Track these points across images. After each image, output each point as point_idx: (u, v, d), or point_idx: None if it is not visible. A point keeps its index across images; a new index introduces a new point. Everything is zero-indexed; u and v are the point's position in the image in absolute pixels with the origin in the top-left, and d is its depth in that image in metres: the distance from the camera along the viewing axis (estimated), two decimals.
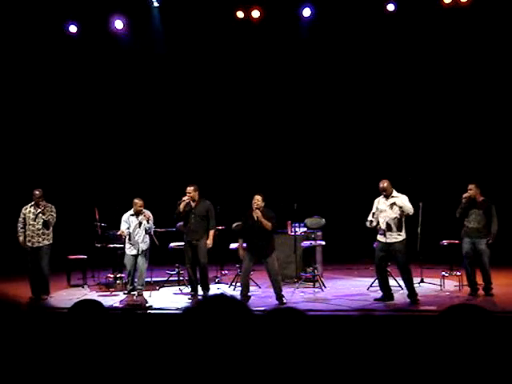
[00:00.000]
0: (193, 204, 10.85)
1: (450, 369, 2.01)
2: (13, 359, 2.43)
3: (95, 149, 15.77)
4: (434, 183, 13.81)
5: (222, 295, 2.04)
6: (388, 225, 9.86)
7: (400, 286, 10.95)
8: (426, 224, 11.37)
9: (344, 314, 9.09)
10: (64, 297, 11.16)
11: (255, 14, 14.44)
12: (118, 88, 15.52)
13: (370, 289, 10.84)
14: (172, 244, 12.19)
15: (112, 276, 11.96)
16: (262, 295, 10.80)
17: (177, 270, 12.13)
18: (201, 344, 1.89)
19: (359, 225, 10.43)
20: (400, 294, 10.44)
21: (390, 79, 14.84)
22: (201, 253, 10.72)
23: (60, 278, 12.39)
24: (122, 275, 11.61)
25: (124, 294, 11.12)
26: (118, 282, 11.71)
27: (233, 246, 12.04)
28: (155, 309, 9.92)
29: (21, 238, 11.13)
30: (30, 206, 11.11)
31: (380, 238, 9.97)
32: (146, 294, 11.06)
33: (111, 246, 11.82)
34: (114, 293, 11.31)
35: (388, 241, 9.87)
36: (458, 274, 10.83)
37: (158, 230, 12.13)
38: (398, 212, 9.84)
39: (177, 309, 9.80)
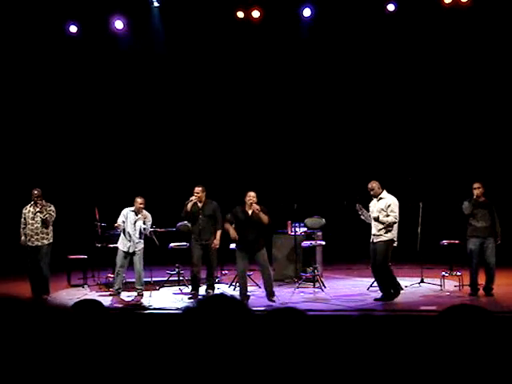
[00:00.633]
0: (200, 205, 10.85)
1: (450, 369, 2.01)
2: (12, 358, 2.43)
3: (96, 148, 15.77)
4: (434, 183, 13.81)
5: (222, 295, 2.04)
6: (374, 225, 9.89)
7: (400, 285, 10.95)
8: (426, 224, 11.37)
9: (344, 313, 9.09)
10: (64, 296, 11.16)
11: (255, 14, 14.45)
12: (119, 88, 15.52)
13: (370, 289, 10.83)
14: (172, 244, 12.19)
15: (112, 276, 11.94)
16: (261, 295, 10.78)
17: (177, 270, 12.12)
18: (201, 344, 1.89)
19: (359, 225, 10.43)
20: (400, 294, 10.43)
21: (391, 79, 14.85)
22: (213, 253, 10.77)
23: (60, 277, 12.40)
24: (123, 275, 11.60)
25: (111, 295, 11.10)
26: None
27: (233, 246, 12.04)
28: (155, 309, 9.92)
29: (22, 238, 11.15)
30: (30, 206, 11.13)
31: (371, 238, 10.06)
32: (146, 294, 11.06)
33: (111, 245, 11.81)
34: (112, 294, 11.29)
35: (373, 240, 9.95)
36: (459, 274, 10.83)
37: (158, 229, 12.13)
38: (383, 213, 9.85)
39: (177, 309, 9.80)
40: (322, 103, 15.38)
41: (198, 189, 10.85)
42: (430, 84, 14.65)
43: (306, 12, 14.49)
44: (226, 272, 12.82)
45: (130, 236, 11.07)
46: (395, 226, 9.88)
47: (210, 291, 10.83)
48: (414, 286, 11.19)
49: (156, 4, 14.63)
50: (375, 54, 14.70)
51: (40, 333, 2.40)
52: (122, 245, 11.09)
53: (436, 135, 14.73)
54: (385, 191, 9.98)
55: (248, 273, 10.76)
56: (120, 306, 10.28)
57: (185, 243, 11.94)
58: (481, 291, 10.21)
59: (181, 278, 11.93)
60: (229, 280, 12.04)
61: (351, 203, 10.50)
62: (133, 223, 11.10)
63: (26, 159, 15.31)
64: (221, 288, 11.76)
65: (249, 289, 10.47)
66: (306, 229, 12.26)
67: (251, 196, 10.05)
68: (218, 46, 15.06)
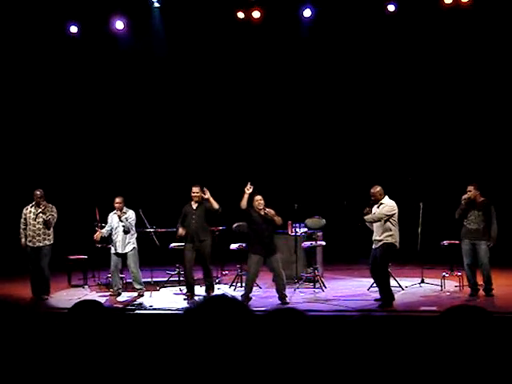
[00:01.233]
0: (194, 206, 10.84)
1: (450, 369, 2.01)
2: (13, 359, 2.43)
3: (96, 149, 15.77)
4: (435, 184, 13.80)
5: (223, 296, 2.04)
6: (376, 231, 9.89)
7: (400, 286, 10.97)
8: (427, 224, 11.37)
9: (344, 314, 9.10)
10: (64, 297, 11.17)
11: (256, 14, 14.43)
12: (119, 89, 15.52)
13: (371, 289, 10.83)
14: (172, 244, 12.19)
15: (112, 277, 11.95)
16: (262, 295, 10.80)
17: (177, 270, 12.12)
18: (202, 344, 1.89)
19: (360, 225, 10.42)
20: (400, 295, 10.44)
21: (391, 80, 14.84)
22: (206, 254, 10.75)
23: (60, 278, 12.40)
24: (123, 276, 11.62)
25: (111, 295, 11.14)
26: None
27: (233, 246, 12.05)
28: (156, 309, 9.92)
29: (22, 240, 11.15)
30: (31, 207, 11.14)
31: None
32: (146, 294, 11.07)
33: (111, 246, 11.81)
34: (112, 294, 11.29)
35: (373, 246, 9.92)
36: (459, 274, 10.82)
37: (159, 230, 12.14)
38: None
39: (177, 309, 9.81)
40: (322, 103, 15.38)
41: (195, 189, 10.84)
42: (431, 84, 14.64)
43: (307, 12, 14.48)
44: (226, 272, 12.82)
45: (116, 238, 11.14)
46: (396, 230, 9.82)
47: (210, 292, 10.81)
48: (414, 287, 11.19)
49: (156, 4, 14.62)
50: (375, 54, 14.69)
51: (40, 335, 2.40)
52: (112, 248, 11.19)
53: (436, 136, 14.72)
54: (386, 197, 9.91)
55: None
56: (120, 306, 10.28)
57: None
58: (481, 292, 10.22)
59: (181, 279, 11.92)
60: (229, 280, 12.03)
61: (351, 203, 10.50)
62: (116, 226, 11.16)
63: (26, 160, 15.31)
64: (221, 288, 11.76)
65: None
66: (306, 229, 12.26)
67: (259, 199, 10.10)
68: (219, 47, 15.05)
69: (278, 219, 10.10)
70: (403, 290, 10.92)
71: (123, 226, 11.10)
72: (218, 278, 12.42)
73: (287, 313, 2.18)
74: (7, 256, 13.11)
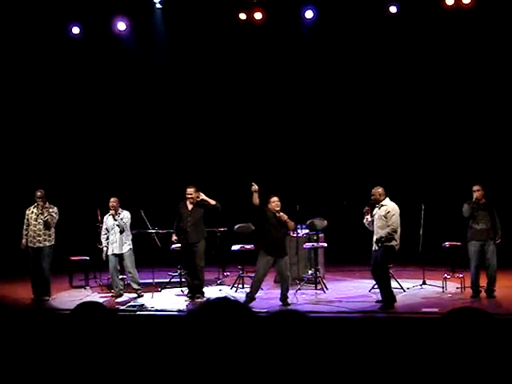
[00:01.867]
0: (190, 207, 10.82)
1: (452, 371, 2.01)
2: (15, 360, 2.43)
3: (98, 150, 15.77)
4: (436, 185, 13.79)
5: (226, 298, 2.04)
6: (376, 233, 9.84)
7: (402, 287, 10.96)
8: (428, 226, 11.36)
9: (346, 315, 9.10)
10: (66, 298, 11.18)
11: (257, 15, 14.43)
12: (121, 90, 15.52)
13: (372, 291, 10.82)
14: (174, 245, 12.19)
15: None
16: (264, 297, 10.78)
17: (178, 271, 12.13)
18: (203, 346, 1.89)
19: (361, 227, 10.42)
20: (402, 296, 10.44)
21: (393, 81, 14.84)
22: (198, 256, 10.71)
23: (62, 279, 12.41)
24: (124, 276, 11.62)
25: (113, 296, 11.17)
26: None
27: (235, 247, 12.05)
28: (157, 310, 9.92)
29: (23, 241, 11.16)
30: (34, 207, 11.15)
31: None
32: (148, 295, 11.06)
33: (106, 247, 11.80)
34: (113, 296, 11.29)
35: (373, 248, 9.85)
36: (460, 276, 10.81)
37: (160, 231, 12.14)
38: (382, 221, 9.79)
39: (179, 310, 9.81)
40: (324, 105, 15.37)
41: (190, 190, 10.79)
42: (432, 86, 14.64)
43: (308, 14, 14.47)
44: (228, 273, 12.82)
45: (112, 239, 11.15)
46: (397, 234, 9.78)
47: (199, 296, 10.77)
48: (415, 288, 11.18)
49: (158, 6, 14.63)
50: (377, 56, 14.69)
51: (41, 336, 2.41)
52: (109, 248, 11.21)
53: (438, 137, 14.71)
54: (387, 199, 9.88)
55: (251, 274, 10.74)
56: (121, 307, 10.27)
57: None
58: (483, 293, 10.21)
59: (183, 280, 11.92)
60: (230, 282, 12.03)
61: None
62: (112, 227, 11.18)
63: (28, 161, 15.31)
64: (223, 290, 11.75)
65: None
66: (308, 230, 12.26)
67: (276, 201, 10.13)
68: (220, 48, 15.06)
69: (291, 224, 10.20)
70: (405, 291, 10.91)
71: (117, 226, 11.10)
72: (219, 279, 12.42)
73: (289, 314, 2.18)
74: (8, 257, 13.11)
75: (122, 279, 11.57)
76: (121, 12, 14.71)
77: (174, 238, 11.13)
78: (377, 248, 9.73)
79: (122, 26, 14.80)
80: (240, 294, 10.76)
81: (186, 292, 11.15)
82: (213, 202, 10.72)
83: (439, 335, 2.04)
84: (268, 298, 10.66)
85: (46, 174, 14.71)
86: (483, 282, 10.26)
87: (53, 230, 11.18)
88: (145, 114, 15.78)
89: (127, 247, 11.17)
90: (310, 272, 11.84)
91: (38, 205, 11.05)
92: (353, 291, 11.18)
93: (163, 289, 11.87)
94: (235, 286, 11.63)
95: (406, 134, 14.92)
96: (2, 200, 14.72)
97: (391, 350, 2.27)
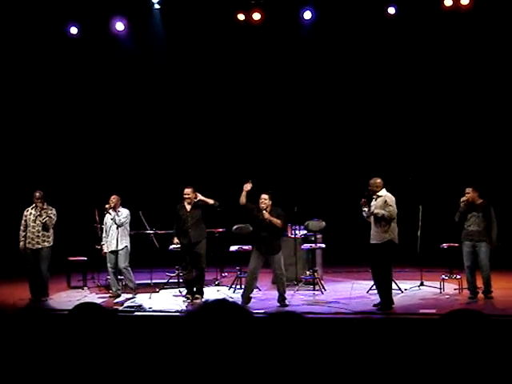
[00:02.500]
0: (188, 207, 10.81)
1: (450, 372, 2.01)
2: (13, 361, 2.43)
3: (96, 151, 15.76)
4: (434, 186, 13.81)
5: (224, 300, 2.05)
6: (372, 225, 9.78)
7: (399, 288, 10.96)
8: (426, 227, 11.37)
9: (344, 317, 9.10)
10: (64, 298, 11.18)
11: (256, 16, 14.44)
12: (119, 90, 15.52)
13: (370, 292, 10.82)
14: (172, 246, 12.20)
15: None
16: (262, 297, 10.80)
17: (177, 271, 12.13)
18: (201, 348, 1.89)
19: (359, 227, 10.42)
20: (400, 297, 10.44)
21: (391, 83, 14.84)
22: (199, 257, 10.71)
23: (60, 279, 12.40)
24: (121, 277, 11.61)
25: (111, 297, 11.16)
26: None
27: (233, 248, 12.05)
28: (155, 311, 9.91)
29: (21, 244, 11.12)
30: (32, 208, 11.13)
31: None
32: (145, 296, 11.06)
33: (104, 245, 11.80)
34: (111, 296, 11.28)
35: (371, 242, 9.73)
36: (458, 277, 10.82)
37: (159, 231, 12.14)
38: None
39: (177, 311, 9.81)
40: (322, 106, 15.37)
41: (187, 190, 10.78)
42: (430, 87, 14.64)
43: (307, 15, 14.47)
44: (226, 274, 12.82)
45: (111, 236, 11.15)
46: (394, 226, 9.72)
47: (198, 296, 10.77)
48: (413, 289, 11.20)
49: (157, 6, 14.63)
50: (376, 56, 14.69)
51: (39, 337, 2.40)
52: (106, 246, 11.24)
53: (436, 138, 14.72)
54: (384, 189, 9.80)
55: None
56: (119, 307, 10.28)
57: None
58: (480, 294, 10.23)
59: (181, 280, 11.92)
60: (228, 282, 12.03)
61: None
62: (111, 224, 11.17)
63: (26, 161, 15.30)
64: (221, 290, 11.76)
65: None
66: (306, 231, 12.26)
67: (263, 199, 10.08)
68: (219, 49, 15.05)
69: (275, 222, 10.01)
70: (402, 292, 10.91)
71: (112, 220, 11.08)
72: (217, 279, 12.42)
73: (286, 316, 2.18)
74: (6, 258, 13.09)
75: (120, 280, 11.56)
76: (119, 12, 14.71)
77: (176, 240, 11.10)
78: (374, 242, 9.64)
79: (120, 26, 14.79)
80: (238, 295, 10.77)
81: (184, 293, 11.14)
82: (211, 202, 10.72)
83: (436, 337, 2.05)
84: (266, 298, 10.67)
85: (44, 174, 14.69)
86: (480, 282, 10.27)
87: (51, 231, 11.17)
88: (143, 115, 15.77)
89: (123, 244, 11.15)
90: (307, 273, 11.84)
91: (36, 206, 11.04)
92: (351, 292, 11.17)
93: (161, 289, 11.87)
94: (233, 286, 11.64)
95: (404, 135, 14.92)
96: (0, 201, 14.70)
97: (389, 351, 2.28)
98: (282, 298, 10.10)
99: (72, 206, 14.28)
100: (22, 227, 11.16)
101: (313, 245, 11.94)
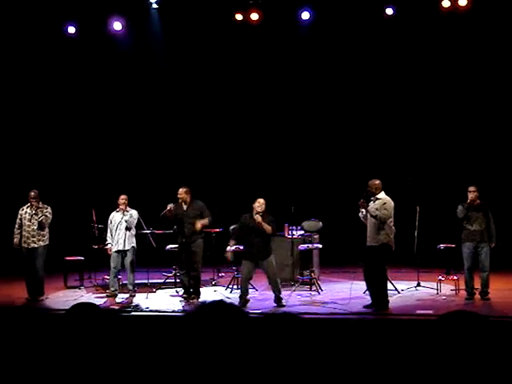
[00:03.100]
0: (184, 207, 10.81)
1: (446, 373, 2.01)
2: (9, 361, 2.43)
3: (93, 150, 15.74)
4: (431, 187, 13.81)
5: (221, 302, 2.05)
6: (368, 227, 9.77)
7: (396, 289, 10.96)
8: (423, 228, 11.38)
9: (340, 317, 9.10)
10: (61, 298, 11.17)
11: (254, 16, 14.43)
12: (117, 89, 15.50)
13: (367, 292, 10.81)
14: (169, 246, 12.20)
15: (109, 278, 11.94)
16: (259, 298, 10.80)
17: (174, 271, 12.12)
18: (199, 349, 1.89)
19: (356, 228, 10.41)
20: (396, 298, 10.45)
21: (389, 83, 14.84)
22: (195, 257, 10.70)
23: (57, 279, 12.39)
24: (119, 277, 11.61)
25: (107, 297, 11.13)
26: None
27: (230, 248, 12.04)
28: (152, 311, 9.90)
29: (15, 240, 11.12)
30: (27, 207, 11.11)
31: None
32: (142, 296, 11.06)
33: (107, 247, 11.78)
34: (108, 296, 11.26)
35: (367, 244, 9.73)
36: (455, 278, 10.83)
37: (156, 231, 12.14)
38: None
39: (174, 311, 9.80)
40: (320, 106, 15.37)
41: (181, 190, 10.79)
42: (429, 88, 14.65)
43: (305, 15, 14.48)
44: (223, 274, 12.82)
45: (118, 236, 11.13)
46: (391, 230, 9.72)
47: (195, 296, 10.76)
48: (410, 290, 11.20)
49: (155, 6, 14.62)
50: (374, 57, 14.69)
51: (36, 337, 2.40)
52: (113, 245, 11.19)
53: (432, 139, 14.73)
54: (382, 192, 9.82)
55: None
56: (116, 307, 10.27)
57: None
58: (477, 295, 10.23)
59: (177, 280, 11.91)
60: (225, 282, 12.02)
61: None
62: (119, 223, 11.14)
63: (23, 160, 15.28)
64: (217, 290, 11.75)
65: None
66: (303, 232, 12.26)
67: (260, 203, 10.11)
68: (217, 48, 15.05)
69: (267, 228, 9.99)
70: (399, 293, 10.92)
71: (126, 221, 11.08)
72: (214, 280, 12.42)
73: (283, 317, 2.18)
74: (3, 257, 13.07)
75: (118, 279, 11.55)
76: (117, 12, 14.70)
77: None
78: (370, 244, 9.64)
79: (117, 25, 14.77)
80: (235, 295, 10.77)
81: (180, 293, 11.14)
82: (206, 222, 10.78)
83: (433, 338, 2.05)
84: (263, 298, 10.68)
85: (40, 173, 14.67)
86: (477, 283, 10.28)
87: (47, 230, 11.15)
88: (140, 113, 15.76)
89: (130, 245, 11.16)
90: (304, 273, 11.84)
91: (31, 205, 11.02)
92: (347, 293, 11.14)
93: (158, 289, 11.86)
94: (230, 286, 11.63)
95: (401, 135, 14.93)
96: None
97: (385, 352, 2.27)
98: (278, 299, 10.11)
99: (69, 205, 14.27)
100: (16, 225, 11.15)
101: (310, 245, 11.94)
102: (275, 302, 10.12)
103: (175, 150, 15.73)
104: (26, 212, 11.10)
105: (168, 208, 10.72)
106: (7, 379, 2.39)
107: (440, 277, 10.99)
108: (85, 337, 2.39)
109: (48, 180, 14.24)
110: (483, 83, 14.20)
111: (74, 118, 15.67)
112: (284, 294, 10.45)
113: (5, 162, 15.20)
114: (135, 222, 11.24)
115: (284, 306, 10.04)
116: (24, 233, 11.04)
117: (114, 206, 11.41)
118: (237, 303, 9.49)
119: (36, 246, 11.02)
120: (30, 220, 11.04)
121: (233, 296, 10.92)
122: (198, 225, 10.64)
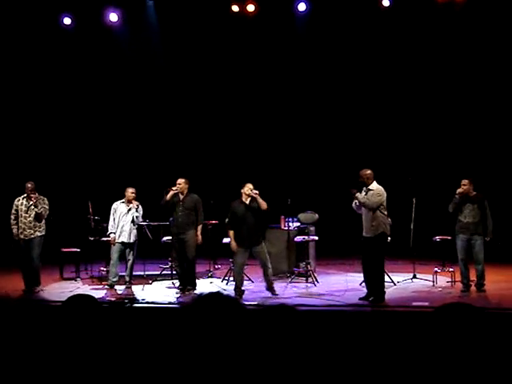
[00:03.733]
0: (181, 197, 10.84)
1: (443, 365, 2.02)
2: (5, 352, 2.43)
3: (89, 142, 15.72)
4: (427, 179, 13.81)
5: (218, 293, 2.05)
6: (363, 218, 9.75)
7: (392, 281, 10.98)
8: (419, 220, 11.39)
9: (337, 309, 9.12)
10: (57, 289, 11.16)
11: (250, 8, 14.40)
12: (112, 82, 15.47)
13: (363, 284, 10.83)
14: (165, 238, 12.20)
15: (105, 269, 11.95)
16: (254, 289, 10.81)
17: (170, 263, 12.13)
18: (195, 340, 1.89)
19: (352, 220, 10.41)
20: (392, 290, 10.47)
21: (386, 75, 14.83)
22: (188, 248, 10.71)
23: (53, 270, 12.39)
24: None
25: (106, 287, 11.14)
26: None
27: (226, 240, 12.04)
28: (148, 303, 9.91)
29: (14, 231, 11.10)
30: (23, 198, 11.08)
31: None
32: (138, 288, 11.06)
33: (104, 239, 11.79)
34: (106, 286, 11.28)
35: (364, 235, 9.71)
36: (451, 270, 10.85)
37: (152, 223, 12.14)
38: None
39: (170, 303, 9.80)
40: (316, 98, 15.36)
41: (180, 180, 10.85)
42: (425, 80, 14.64)
43: (301, 7, 14.46)
44: (219, 266, 12.82)
45: (122, 227, 11.12)
46: (385, 218, 9.65)
47: (190, 288, 10.77)
48: (406, 282, 11.22)
49: None
50: (370, 49, 14.68)
51: (32, 329, 2.40)
52: (117, 236, 11.15)
53: (429, 132, 14.73)
54: (375, 182, 9.77)
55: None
56: (113, 299, 10.28)
57: None
58: (473, 287, 10.25)
59: (174, 272, 11.91)
60: (221, 274, 12.03)
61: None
62: (125, 214, 11.14)
63: (19, 152, 15.25)
64: (214, 282, 11.76)
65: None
66: (299, 224, 12.26)
67: (249, 187, 10.11)
68: (213, 40, 15.02)
69: (263, 203, 10.00)
70: (395, 285, 10.94)
71: (136, 218, 11.11)
72: (210, 271, 12.42)
73: (279, 309, 2.18)
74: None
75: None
76: (113, 3, 14.66)
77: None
78: (366, 235, 9.63)
79: (113, 17, 14.74)
80: (231, 287, 10.77)
81: (177, 284, 11.15)
82: (200, 229, 10.88)
83: (429, 330, 2.05)
84: (259, 290, 10.67)
85: (37, 165, 14.66)
86: (473, 275, 10.29)
87: (43, 220, 11.15)
88: (136, 107, 15.74)
89: (135, 237, 11.20)
90: (300, 265, 11.85)
91: (28, 196, 10.99)
92: (344, 284, 11.16)
93: (154, 281, 11.87)
94: (226, 278, 11.64)
95: (397, 128, 14.93)
96: None
97: (382, 344, 2.28)
98: (271, 286, 10.13)
99: (65, 197, 14.26)
100: (12, 216, 11.12)
101: (306, 237, 11.94)
102: (267, 289, 10.13)
103: (171, 141, 15.72)
104: (22, 203, 11.07)
105: (174, 188, 10.74)
106: (4, 372, 2.39)
107: (436, 269, 11.01)
108: (81, 328, 2.39)
109: (44, 171, 14.23)
110: (480, 76, 14.19)
111: (70, 110, 15.63)
112: (280, 285, 10.46)
113: (1, 153, 15.16)
114: (141, 215, 11.28)
115: (277, 294, 10.06)
116: (20, 224, 11.02)
117: (111, 198, 11.41)
118: (232, 294, 9.50)
119: (33, 236, 11.01)
120: (26, 212, 11.01)
121: (229, 288, 10.92)
122: (199, 238, 10.76)
